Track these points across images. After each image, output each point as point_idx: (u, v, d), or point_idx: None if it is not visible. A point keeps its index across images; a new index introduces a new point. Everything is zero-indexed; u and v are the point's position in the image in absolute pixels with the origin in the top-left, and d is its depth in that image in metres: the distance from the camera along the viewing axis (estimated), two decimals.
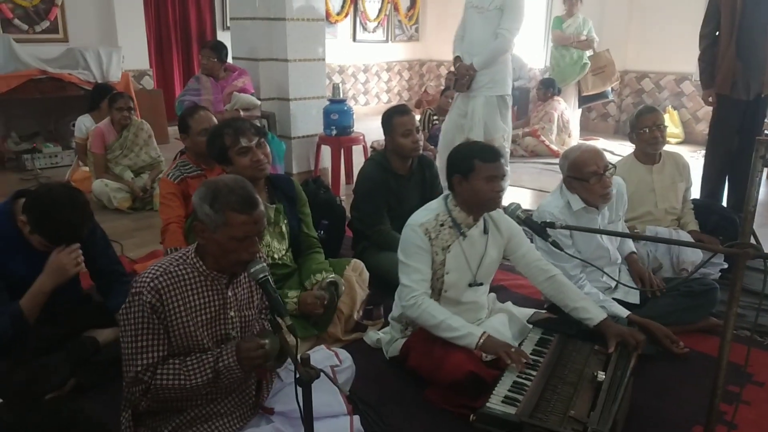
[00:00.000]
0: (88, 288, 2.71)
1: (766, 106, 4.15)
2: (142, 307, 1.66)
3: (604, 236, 2.80)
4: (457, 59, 4.14)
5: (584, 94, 7.31)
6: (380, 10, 9.86)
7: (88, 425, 1.75)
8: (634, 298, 2.79)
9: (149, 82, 7.42)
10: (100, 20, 6.95)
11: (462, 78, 4.15)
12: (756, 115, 4.05)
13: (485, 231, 2.37)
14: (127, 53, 6.68)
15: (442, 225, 2.30)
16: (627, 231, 3.01)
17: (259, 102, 4.96)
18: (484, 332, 2.19)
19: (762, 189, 4.08)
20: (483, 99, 4.30)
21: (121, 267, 2.71)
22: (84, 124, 5.07)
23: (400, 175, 3.27)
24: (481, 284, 2.42)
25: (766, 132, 5.42)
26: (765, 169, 5.53)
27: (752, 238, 1.61)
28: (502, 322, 2.38)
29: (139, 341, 1.68)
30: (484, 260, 2.37)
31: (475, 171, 2.21)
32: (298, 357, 1.50)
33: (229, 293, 1.82)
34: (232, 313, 1.83)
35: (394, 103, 10.33)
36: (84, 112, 5.22)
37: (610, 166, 2.67)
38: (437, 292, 2.35)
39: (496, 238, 2.40)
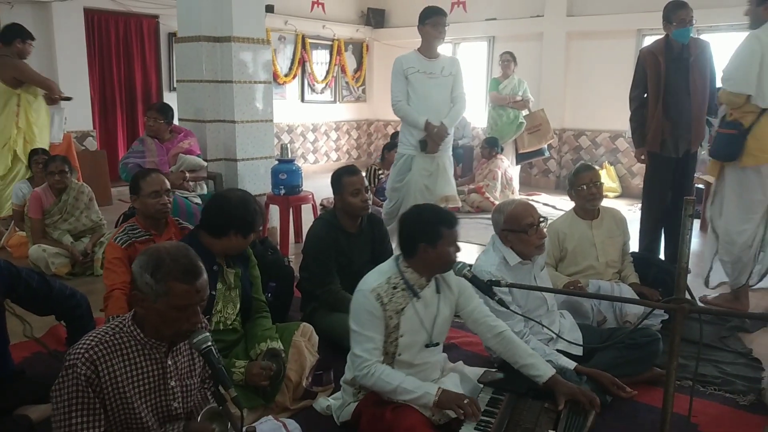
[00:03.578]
0: (20, 361, 2.57)
1: (695, 162, 4.39)
2: (76, 381, 1.58)
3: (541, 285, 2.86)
4: (428, 123, 4.22)
5: (521, 151, 7.63)
6: (327, 72, 10.09)
7: None
8: (577, 350, 2.83)
9: (92, 143, 7.30)
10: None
11: (441, 140, 4.26)
12: (686, 171, 4.28)
13: (438, 290, 2.37)
14: (70, 114, 6.55)
15: (394, 288, 2.29)
16: (549, 281, 3.08)
17: (205, 163, 4.94)
18: (439, 388, 2.18)
19: (694, 240, 4.26)
20: (447, 157, 4.43)
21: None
22: (21, 190, 4.92)
23: (349, 234, 3.28)
24: (437, 344, 2.41)
25: (698, 185, 5.74)
26: (698, 220, 5.82)
27: (687, 293, 1.68)
28: (455, 383, 2.36)
29: (74, 418, 1.59)
30: (437, 319, 2.37)
31: (443, 238, 2.23)
32: (244, 429, 1.45)
33: (169, 362, 1.75)
34: (173, 383, 1.76)
35: (343, 161, 10.45)
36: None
37: (542, 217, 2.77)
38: (391, 355, 2.31)
39: (448, 296, 2.41)
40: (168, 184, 3.11)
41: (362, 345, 2.25)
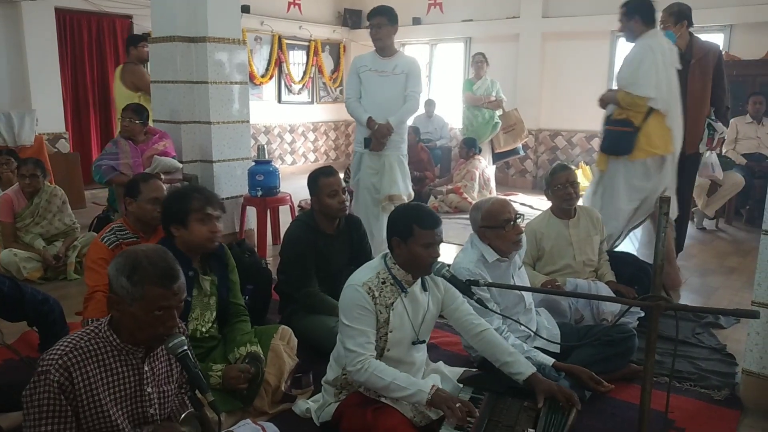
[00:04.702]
0: None
1: (693, 163, 4.48)
2: (48, 388, 1.54)
3: (519, 284, 2.88)
4: (370, 120, 4.23)
5: (497, 151, 7.70)
6: (305, 73, 10.05)
7: None
8: (555, 348, 2.85)
9: (65, 146, 7.17)
10: (12, 82, 6.72)
11: (383, 138, 4.25)
12: (680, 172, 4.33)
13: (425, 288, 2.38)
14: (41, 116, 6.45)
15: (383, 282, 2.29)
16: (527, 279, 3.11)
17: (180, 165, 4.87)
18: (433, 385, 2.17)
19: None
20: (396, 157, 4.42)
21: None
22: None
23: (327, 235, 3.26)
24: (423, 342, 2.42)
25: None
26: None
27: (663, 290, 1.70)
28: (436, 383, 2.36)
29: (43, 426, 1.55)
30: (426, 316, 2.38)
31: (414, 237, 2.24)
32: None
33: (146, 368, 1.72)
34: (150, 390, 1.73)
35: (321, 162, 10.42)
36: None
37: (518, 214, 2.80)
38: (380, 351, 2.30)
39: (435, 294, 2.43)
40: (165, 192, 3.06)
41: (355, 339, 2.22)
